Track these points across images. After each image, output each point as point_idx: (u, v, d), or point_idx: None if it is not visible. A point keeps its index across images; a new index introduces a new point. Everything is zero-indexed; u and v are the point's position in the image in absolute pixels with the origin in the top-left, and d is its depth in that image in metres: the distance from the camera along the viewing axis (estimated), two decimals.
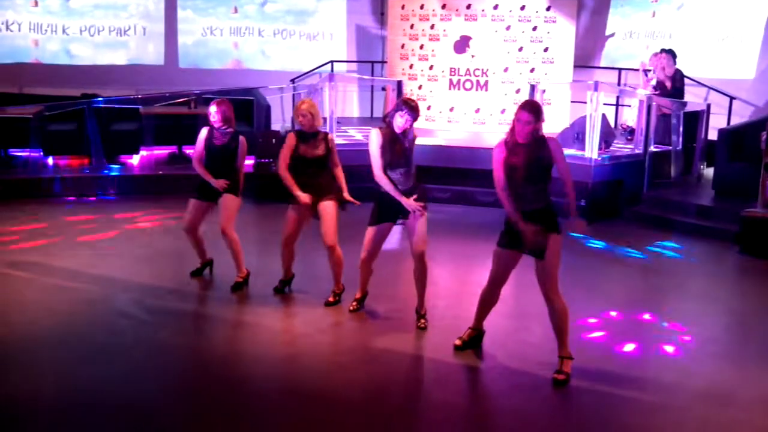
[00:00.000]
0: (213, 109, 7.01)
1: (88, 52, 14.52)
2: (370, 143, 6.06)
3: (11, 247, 8.22)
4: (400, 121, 5.96)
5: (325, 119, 11.41)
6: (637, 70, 12.13)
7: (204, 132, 7.12)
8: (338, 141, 11.03)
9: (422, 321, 6.25)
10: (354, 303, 6.53)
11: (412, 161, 6.13)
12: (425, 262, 6.16)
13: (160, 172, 11.52)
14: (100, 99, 11.92)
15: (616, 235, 9.33)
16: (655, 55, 11.61)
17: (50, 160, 11.59)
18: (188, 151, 12.02)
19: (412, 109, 6.02)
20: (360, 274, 6.44)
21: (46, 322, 6.23)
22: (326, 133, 6.74)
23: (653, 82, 11.37)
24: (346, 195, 6.64)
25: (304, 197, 6.42)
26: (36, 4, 14.38)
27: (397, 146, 6.01)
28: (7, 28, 14.19)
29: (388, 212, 6.12)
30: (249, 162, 11.30)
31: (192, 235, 7.25)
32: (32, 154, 11.48)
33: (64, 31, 14.43)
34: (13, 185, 10.53)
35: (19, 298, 6.83)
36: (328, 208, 6.52)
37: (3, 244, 8.31)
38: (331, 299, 6.66)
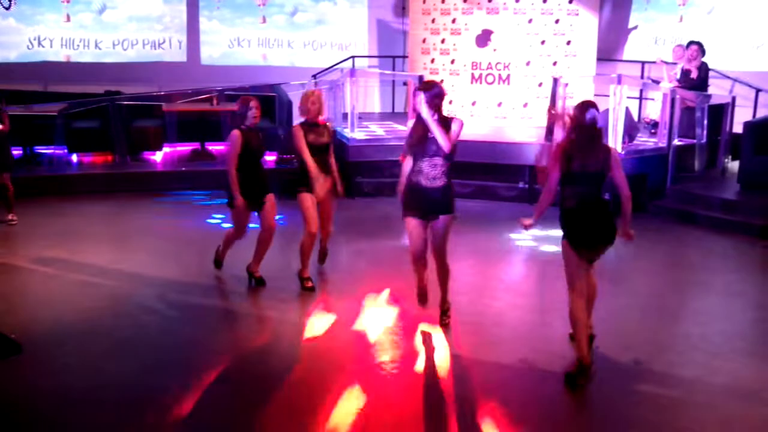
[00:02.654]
0: (255, 105, 6.86)
1: (111, 48, 14.63)
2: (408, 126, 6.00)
3: (37, 243, 8.31)
4: (417, 104, 5.72)
5: (345, 114, 11.44)
6: (656, 62, 12.02)
7: (239, 135, 6.78)
8: (359, 136, 11.11)
9: (445, 318, 6.19)
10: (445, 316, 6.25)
11: (441, 152, 5.70)
12: (446, 263, 6.06)
13: (183, 169, 11.60)
14: (123, 96, 12.01)
15: (638, 229, 9.27)
16: (679, 46, 11.49)
17: (74, 157, 11.70)
18: (211, 147, 12.13)
19: (423, 87, 5.77)
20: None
21: (70, 317, 6.30)
22: (327, 122, 7.12)
23: (677, 69, 11.26)
24: (339, 187, 7.11)
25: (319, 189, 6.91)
26: (68, 19, 14.43)
27: (419, 131, 5.74)
28: (39, 44, 14.27)
29: (416, 206, 5.89)
30: (271, 158, 11.42)
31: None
32: (57, 151, 11.60)
33: (96, 45, 14.50)
34: (38, 182, 10.64)
35: (45, 294, 6.91)
36: (330, 195, 7.05)
37: (28, 241, 8.41)
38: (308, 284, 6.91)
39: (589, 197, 5.32)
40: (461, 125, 5.78)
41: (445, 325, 6.15)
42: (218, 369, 5.43)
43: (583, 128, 5.23)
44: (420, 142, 5.73)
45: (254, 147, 6.86)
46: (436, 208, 5.84)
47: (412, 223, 5.92)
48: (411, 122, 5.92)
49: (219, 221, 9.14)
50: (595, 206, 5.35)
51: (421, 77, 11.38)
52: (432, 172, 5.75)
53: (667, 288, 7.46)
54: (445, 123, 5.70)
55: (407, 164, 5.90)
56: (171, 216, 9.76)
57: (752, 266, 8.19)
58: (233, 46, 15.09)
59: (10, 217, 8.97)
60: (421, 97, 5.66)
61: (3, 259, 7.76)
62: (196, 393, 5.08)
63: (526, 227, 5.46)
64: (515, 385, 5.35)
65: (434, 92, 5.69)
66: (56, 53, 14.29)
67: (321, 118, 7.04)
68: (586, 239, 5.32)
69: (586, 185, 5.30)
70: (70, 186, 10.80)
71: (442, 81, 12.74)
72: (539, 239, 8.43)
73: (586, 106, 5.27)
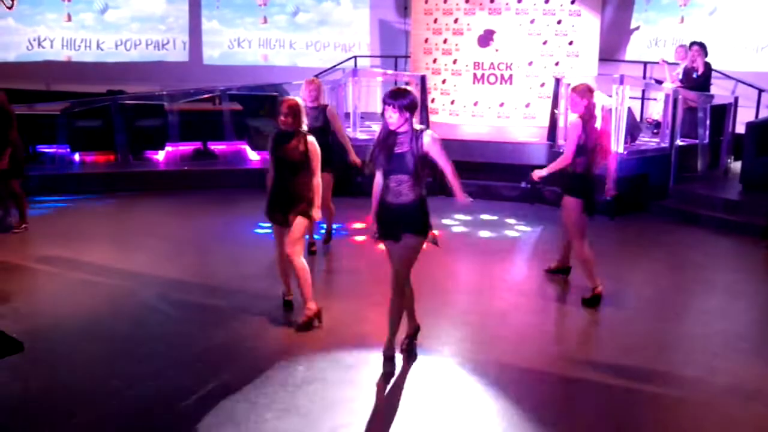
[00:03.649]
0: (284, 107, 6.07)
1: (114, 49, 14.61)
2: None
3: (38, 242, 8.32)
4: (386, 116, 5.02)
5: (348, 114, 11.44)
6: (659, 63, 12.03)
7: (272, 137, 6.17)
8: (361, 136, 11.11)
9: (411, 341, 5.59)
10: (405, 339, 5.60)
11: (412, 169, 5.05)
12: (404, 290, 5.32)
13: (185, 168, 11.61)
14: (125, 95, 12.02)
15: (640, 230, 9.29)
16: (682, 47, 11.50)
17: (77, 156, 11.72)
18: (213, 147, 12.14)
19: (392, 95, 4.99)
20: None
21: (72, 315, 6.31)
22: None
23: (679, 70, 11.26)
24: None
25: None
26: (69, 18, 14.33)
27: (388, 146, 5.07)
28: (40, 44, 14.20)
29: (383, 227, 5.25)
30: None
31: None
32: (59, 150, 11.61)
33: (98, 46, 14.44)
34: (41, 181, 10.66)
35: (46, 293, 6.92)
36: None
37: (30, 240, 8.42)
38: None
39: (591, 166, 6.60)
40: (438, 142, 5.08)
41: (408, 350, 5.54)
42: (219, 368, 5.43)
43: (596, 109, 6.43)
44: (386, 158, 5.08)
45: (281, 154, 6.03)
46: (399, 226, 5.14)
47: (384, 243, 5.29)
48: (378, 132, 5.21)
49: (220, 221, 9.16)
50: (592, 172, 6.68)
51: (423, 77, 11.39)
52: (397, 188, 5.10)
53: (669, 288, 7.45)
54: (417, 137, 5.04)
55: (378, 180, 5.24)
56: (173, 215, 9.76)
57: (754, 266, 8.17)
58: (233, 46, 15.09)
59: (23, 226, 8.73)
60: (391, 107, 4.99)
61: (5, 258, 7.77)
62: (196, 392, 5.08)
63: (539, 178, 6.74)
64: (513, 385, 5.34)
65: (405, 102, 4.98)
66: (57, 54, 14.26)
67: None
68: (592, 196, 6.66)
69: (591, 156, 6.54)
70: (72, 185, 10.81)
71: (436, 88, 12.75)
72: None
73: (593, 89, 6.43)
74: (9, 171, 8.55)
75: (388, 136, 5.08)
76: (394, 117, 4.98)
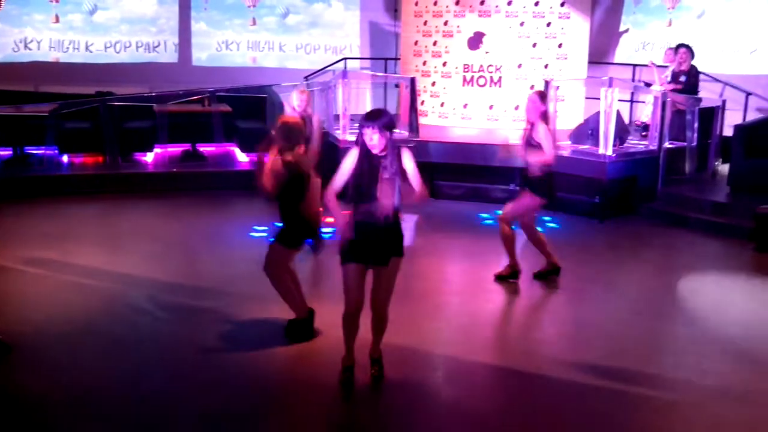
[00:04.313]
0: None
1: (103, 50, 14.53)
2: (344, 161, 4.93)
3: (27, 244, 8.28)
4: (368, 140, 4.78)
5: (337, 116, 11.44)
6: (648, 66, 12.09)
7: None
8: (351, 138, 11.09)
9: (375, 368, 5.25)
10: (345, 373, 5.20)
11: (393, 194, 4.82)
12: (386, 318, 5.15)
13: (174, 170, 11.57)
14: (114, 97, 11.97)
15: (629, 232, 9.33)
16: (671, 49, 11.56)
17: (65, 158, 11.66)
18: (202, 149, 12.12)
19: (371, 118, 4.78)
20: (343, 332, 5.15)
21: (61, 317, 6.27)
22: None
23: (667, 73, 11.32)
24: None
25: None
26: (57, 20, 14.20)
27: (374, 170, 4.81)
28: (26, 46, 14.07)
29: (358, 250, 4.92)
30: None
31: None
32: (47, 152, 11.55)
33: (87, 48, 14.33)
34: (29, 183, 10.60)
35: (35, 295, 6.87)
36: None
37: (18, 242, 8.37)
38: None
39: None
40: (414, 159, 4.90)
41: (375, 376, 5.23)
42: (210, 370, 5.42)
43: None
44: (368, 182, 4.81)
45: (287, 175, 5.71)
46: (388, 249, 4.93)
47: (352, 271, 4.93)
48: (351, 156, 4.89)
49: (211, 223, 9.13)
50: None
51: (413, 79, 11.40)
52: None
53: (658, 290, 7.48)
54: (398, 156, 4.85)
55: (333, 203, 4.91)
56: (162, 217, 9.73)
57: (742, 269, 8.22)
58: (221, 49, 15.03)
59: None
60: (372, 131, 4.76)
61: None
62: (187, 394, 5.07)
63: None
64: (503, 387, 5.35)
65: (385, 121, 4.77)
66: (45, 55, 14.15)
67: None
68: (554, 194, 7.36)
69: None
70: (60, 187, 10.75)
71: (426, 90, 12.77)
72: None
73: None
74: None
75: (370, 162, 4.81)
76: (375, 139, 4.75)
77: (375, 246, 4.89)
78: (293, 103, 8.09)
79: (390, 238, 4.93)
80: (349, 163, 4.86)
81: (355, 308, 4.99)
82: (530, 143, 7.09)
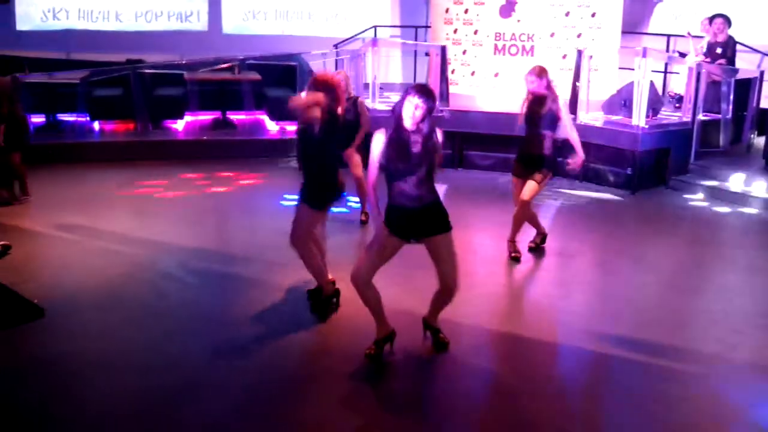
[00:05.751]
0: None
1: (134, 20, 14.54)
2: (372, 146, 4.83)
3: (57, 209, 8.37)
4: (409, 110, 4.65)
5: (367, 85, 11.39)
6: (684, 36, 11.85)
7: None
8: (380, 107, 11.06)
9: (442, 335, 5.34)
10: (372, 347, 5.17)
11: (429, 168, 4.78)
12: (454, 291, 5.10)
13: (204, 137, 11.61)
14: (145, 64, 12.01)
15: (660, 204, 9.21)
16: (707, 19, 11.31)
17: (96, 125, 11.75)
18: (232, 117, 12.15)
19: (424, 92, 4.67)
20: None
21: (91, 283, 6.35)
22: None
23: (703, 44, 11.09)
24: None
25: None
26: None
27: (404, 146, 4.73)
28: (55, 16, 14.09)
29: (398, 226, 4.90)
30: (294, 127, 11.41)
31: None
32: (79, 118, 11.64)
33: (117, 17, 14.32)
34: (60, 149, 10.70)
35: (66, 260, 6.96)
36: None
37: (49, 207, 8.47)
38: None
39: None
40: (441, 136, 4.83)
41: (442, 346, 5.28)
42: (237, 337, 5.46)
43: None
44: (402, 159, 4.74)
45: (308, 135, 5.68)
46: (429, 229, 4.90)
47: (386, 237, 4.90)
48: (379, 134, 4.80)
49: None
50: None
51: (443, 47, 11.28)
52: (417, 191, 4.80)
53: (688, 264, 7.40)
54: (432, 136, 4.75)
55: (372, 187, 4.90)
56: (192, 185, 9.78)
57: None
58: (250, 18, 14.99)
59: (24, 198, 8.67)
60: (419, 104, 4.65)
61: (24, 225, 7.83)
62: (214, 360, 5.11)
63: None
64: (532, 358, 5.34)
65: (433, 105, 4.70)
66: (74, 24, 14.19)
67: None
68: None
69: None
70: (91, 153, 10.84)
71: (456, 59, 12.63)
72: None
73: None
74: (9, 145, 8.54)
75: (399, 136, 4.73)
76: (418, 114, 4.64)
77: (414, 226, 4.87)
78: None
79: (429, 217, 4.87)
80: (378, 144, 4.77)
81: (365, 271, 4.92)
82: (535, 117, 6.88)
